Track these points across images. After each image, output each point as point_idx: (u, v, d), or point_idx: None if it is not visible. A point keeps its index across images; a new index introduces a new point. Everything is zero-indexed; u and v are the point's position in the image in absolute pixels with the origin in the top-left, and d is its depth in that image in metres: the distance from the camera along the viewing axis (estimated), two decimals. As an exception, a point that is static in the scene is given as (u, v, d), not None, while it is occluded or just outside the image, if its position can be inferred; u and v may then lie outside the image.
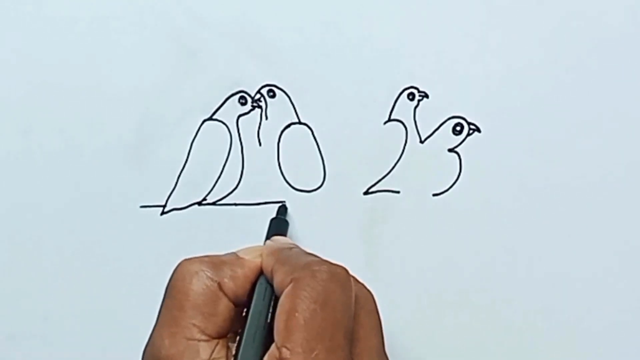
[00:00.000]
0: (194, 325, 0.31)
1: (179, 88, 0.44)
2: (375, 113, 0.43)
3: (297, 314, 0.29)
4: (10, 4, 0.45)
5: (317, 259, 0.32)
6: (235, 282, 0.32)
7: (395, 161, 0.43)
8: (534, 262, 0.42)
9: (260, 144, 0.44)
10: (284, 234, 0.41)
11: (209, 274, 0.32)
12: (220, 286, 0.32)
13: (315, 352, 0.28)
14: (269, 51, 0.44)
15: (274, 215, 0.42)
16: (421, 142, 0.43)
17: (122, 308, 0.43)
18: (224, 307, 0.32)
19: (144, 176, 0.44)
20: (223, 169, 0.43)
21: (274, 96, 0.43)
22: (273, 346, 0.29)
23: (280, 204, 0.43)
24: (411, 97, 0.43)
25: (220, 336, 0.31)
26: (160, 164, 0.44)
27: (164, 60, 0.44)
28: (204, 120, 0.44)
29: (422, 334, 0.42)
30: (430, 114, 0.43)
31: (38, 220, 0.44)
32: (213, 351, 0.30)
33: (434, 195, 0.42)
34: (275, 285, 0.32)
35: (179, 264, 0.33)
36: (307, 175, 0.43)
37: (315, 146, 0.43)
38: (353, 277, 0.32)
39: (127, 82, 0.44)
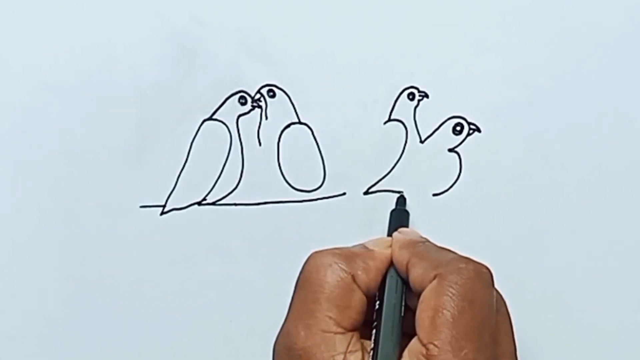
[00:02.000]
0: (330, 317, 0.30)
1: (179, 88, 0.44)
2: (375, 113, 0.43)
3: (444, 311, 0.28)
4: (10, 4, 0.45)
5: (459, 255, 0.32)
6: (367, 274, 0.32)
7: (395, 161, 0.43)
8: (534, 262, 0.41)
9: (260, 144, 0.44)
10: (406, 225, 0.40)
11: (342, 266, 0.32)
12: (354, 278, 0.32)
13: (464, 351, 0.28)
14: (269, 51, 0.44)
15: (274, 216, 0.43)
16: (421, 142, 0.43)
17: (122, 308, 0.43)
18: (358, 299, 0.32)
19: (144, 176, 0.44)
20: (223, 169, 0.43)
21: (274, 96, 0.43)
22: (415, 341, 0.29)
23: (398, 194, 0.42)
24: (411, 97, 0.43)
25: (354, 329, 0.31)
26: (160, 164, 0.44)
27: (164, 60, 0.44)
28: (204, 120, 0.44)
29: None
30: (430, 114, 0.43)
31: (38, 220, 0.44)
32: (349, 344, 0.30)
33: (434, 195, 0.42)
34: (412, 279, 0.32)
35: (311, 256, 0.33)
36: (307, 175, 0.43)
37: (315, 146, 0.43)
38: None
39: (127, 82, 0.44)
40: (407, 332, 0.31)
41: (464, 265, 0.30)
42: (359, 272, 0.32)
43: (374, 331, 0.32)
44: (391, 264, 0.34)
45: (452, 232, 0.42)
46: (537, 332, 0.41)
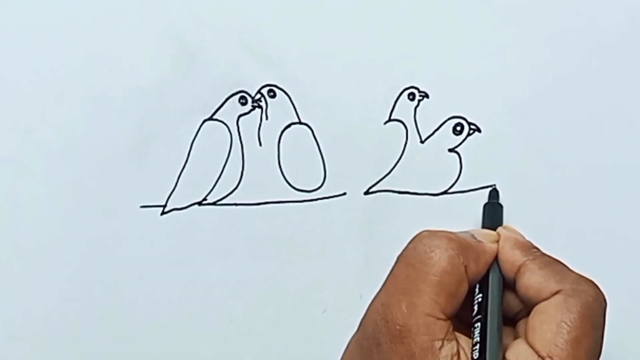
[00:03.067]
0: (436, 302, 0.30)
1: (179, 88, 0.44)
2: (375, 113, 0.43)
3: (572, 331, 0.29)
4: (10, 4, 0.45)
5: (581, 275, 0.32)
6: (477, 267, 0.32)
7: (395, 161, 0.43)
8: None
9: (260, 144, 0.44)
10: (501, 220, 0.40)
11: (457, 253, 0.32)
12: (465, 269, 0.32)
13: (575, 354, 0.28)
14: (269, 51, 0.44)
15: (274, 216, 0.43)
16: (421, 142, 0.43)
17: (122, 308, 0.43)
18: (464, 290, 0.32)
19: (144, 176, 0.44)
20: (223, 169, 0.43)
21: (274, 96, 0.43)
22: (527, 349, 0.29)
23: (491, 188, 0.42)
24: (411, 97, 0.43)
25: (451, 317, 0.31)
26: (160, 164, 0.44)
27: (164, 60, 0.44)
28: (204, 120, 0.44)
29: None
30: (430, 114, 0.43)
31: (38, 220, 0.44)
32: (447, 332, 0.30)
33: (434, 195, 0.42)
34: (526, 284, 0.32)
35: (422, 235, 0.32)
36: (307, 175, 0.43)
37: (315, 146, 0.43)
38: None
39: (127, 82, 0.44)
40: None
41: (591, 289, 0.30)
42: (472, 264, 0.32)
43: (477, 324, 0.31)
44: (495, 259, 0.34)
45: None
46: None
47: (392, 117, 0.43)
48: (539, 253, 0.34)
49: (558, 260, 0.34)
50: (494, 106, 0.42)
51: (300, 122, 0.43)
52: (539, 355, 0.29)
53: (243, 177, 0.43)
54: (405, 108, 0.43)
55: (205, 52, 0.44)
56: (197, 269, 0.43)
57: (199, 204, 0.43)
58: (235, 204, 0.43)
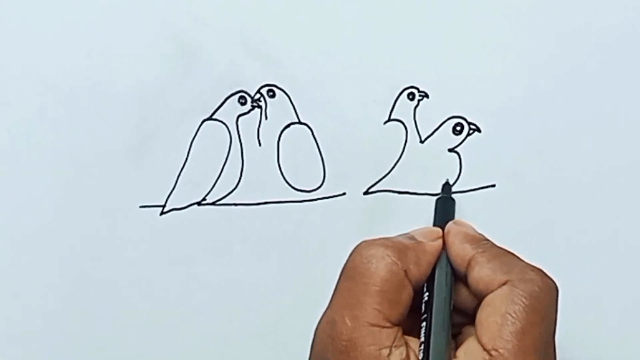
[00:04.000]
0: (379, 311, 0.30)
1: (179, 88, 0.44)
2: (375, 113, 0.43)
3: (516, 322, 0.28)
4: (11, 4, 0.45)
5: (529, 264, 0.31)
6: (419, 269, 0.32)
7: (395, 161, 0.43)
8: (535, 261, 0.41)
9: (260, 144, 0.44)
10: (453, 214, 0.40)
11: (395, 260, 0.31)
12: (406, 273, 0.31)
13: (523, 352, 0.28)
14: (269, 51, 0.44)
15: (274, 216, 0.43)
16: (421, 142, 0.43)
17: (122, 308, 0.43)
18: (407, 294, 0.31)
19: (143, 176, 0.44)
20: (223, 169, 0.43)
21: (273, 96, 0.43)
22: (475, 343, 0.29)
23: (444, 183, 0.42)
24: (411, 97, 0.43)
25: (399, 323, 0.31)
26: (159, 164, 0.44)
27: (164, 60, 0.44)
28: (204, 120, 0.44)
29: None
30: (430, 114, 0.43)
31: (38, 220, 0.44)
32: (395, 338, 0.30)
33: (434, 195, 0.42)
34: (475, 277, 0.31)
35: (361, 246, 0.32)
36: (307, 175, 0.43)
37: (315, 146, 0.43)
38: None
39: (127, 82, 0.44)
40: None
41: (537, 277, 0.30)
42: (411, 267, 0.32)
43: (423, 324, 0.31)
44: (439, 255, 0.34)
45: (452, 232, 0.42)
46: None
47: (392, 117, 0.43)
48: (488, 245, 0.33)
49: (508, 252, 0.33)
50: (494, 106, 0.42)
51: (299, 122, 0.43)
52: (485, 349, 0.28)
53: (242, 177, 0.43)
54: (405, 108, 0.43)
55: (205, 52, 0.44)
56: (197, 269, 0.43)
57: (199, 204, 0.43)
58: (235, 204, 0.43)
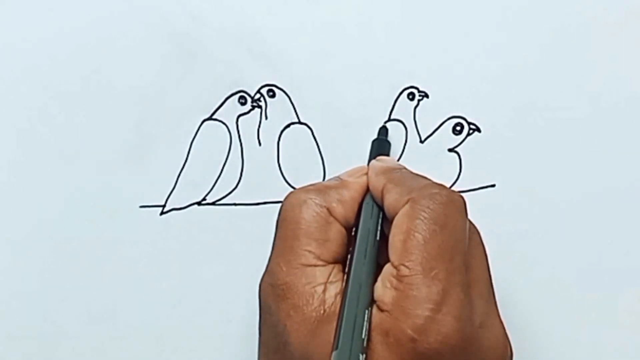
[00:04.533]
0: (309, 251, 0.31)
1: (179, 88, 0.44)
2: (375, 113, 0.43)
3: (416, 234, 0.29)
4: (11, 4, 0.45)
5: (433, 182, 0.32)
6: (343, 205, 0.33)
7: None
8: (535, 262, 0.41)
9: (260, 144, 0.44)
10: (388, 154, 0.40)
11: (317, 200, 0.32)
12: (329, 211, 0.32)
13: (434, 271, 0.28)
14: (269, 51, 0.44)
15: (274, 216, 0.42)
16: (421, 142, 0.43)
17: (122, 308, 0.43)
18: (336, 231, 0.32)
19: (143, 176, 0.44)
20: (223, 168, 0.43)
21: (273, 96, 0.44)
22: (388, 265, 0.29)
23: (381, 126, 0.42)
24: (411, 97, 0.43)
25: (335, 261, 0.31)
26: (160, 163, 0.44)
27: (164, 60, 0.44)
28: (204, 120, 0.44)
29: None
30: (430, 114, 0.43)
31: (38, 220, 0.44)
32: (330, 274, 0.30)
33: (434, 195, 0.42)
34: (386, 204, 0.32)
35: (287, 196, 0.33)
36: (307, 175, 0.43)
37: (315, 146, 0.43)
38: None
39: (127, 82, 0.44)
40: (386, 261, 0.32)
41: (437, 191, 0.30)
42: (334, 205, 0.32)
43: (349, 256, 0.32)
44: (367, 191, 0.34)
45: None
46: (537, 332, 0.41)
47: (392, 117, 0.43)
48: (399, 172, 0.34)
49: (417, 174, 0.34)
50: (493, 106, 0.42)
51: (299, 122, 0.43)
52: (394, 267, 0.29)
53: (242, 177, 0.43)
54: (405, 108, 0.43)
55: (205, 52, 0.44)
56: (197, 269, 0.43)
57: (199, 203, 0.43)
58: (235, 204, 0.43)
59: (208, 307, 0.43)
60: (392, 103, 0.43)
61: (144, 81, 0.44)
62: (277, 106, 0.44)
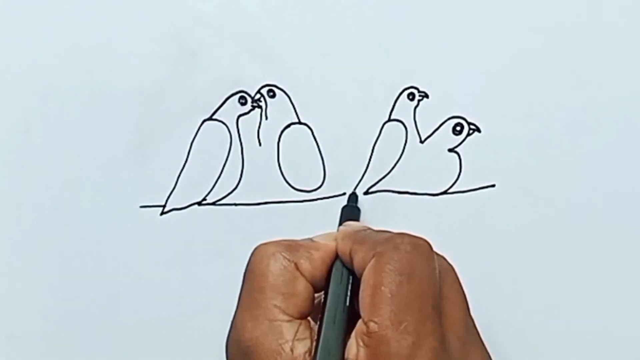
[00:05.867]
0: (275, 306, 0.30)
1: (179, 88, 0.44)
2: (375, 113, 0.43)
3: (382, 288, 0.28)
4: (11, 4, 0.45)
5: (397, 233, 0.31)
6: (311, 263, 0.32)
7: (395, 161, 0.43)
8: (535, 262, 0.41)
9: (260, 144, 0.44)
10: (357, 221, 0.41)
11: (285, 255, 0.32)
12: (297, 266, 0.32)
13: (404, 324, 0.27)
14: (269, 51, 0.44)
15: (274, 216, 0.43)
16: (421, 142, 0.43)
17: (122, 308, 0.43)
18: (303, 287, 0.32)
19: (143, 176, 0.44)
20: (223, 169, 0.43)
21: (273, 96, 0.44)
22: (360, 322, 0.29)
23: (351, 193, 0.43)
24: (411, 97, 0.43)
25: (302, 316, 0.31)
26: (160, 164, 0.44)
27: (164, 60, 0.44)
28: (204, 120, 0.44)
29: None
30: (430, 114, 0.43)
31: (38, 220, 0.44)
32: (297, 331, 0.30)
33: (434, 195, 0.42)
34: (355, 265, 0.32)
35: (256, 248, 0.33)
36: (307, 175, 0.43)
37: (315, 146, 0.43)
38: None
39: (127, 82, 0.44)
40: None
41: (400, 240, 0.30)
42: (302, 261, 0.32)
43: (318, 323, 0.31)
44: (337, 257, 0.34)
45: (452, 232, 0.42)
46: (538, 332, 0.41)
47: (392, 117, 0.43)
48: (363, 233, 0.33)
49: (382, 230, 0.33)
50: (493, 106, 0.42)
51: (299, 122, 0.43)
52: (364, 323, 0.28)
53: (243, 177, 0.43)
54: (405, 108, 0.43)
55: (205, 52, 0.44)
56: (197, 269, 0.43)
57: (199, 204, 0.43)
58: (235, 204, 0.43)
59: (208, 307, 0.43)
60: (392, 103, 0.43)
61: (144, 81, 0.44)
62: (277, 106, 0.44)
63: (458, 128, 0.42)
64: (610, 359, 0.41)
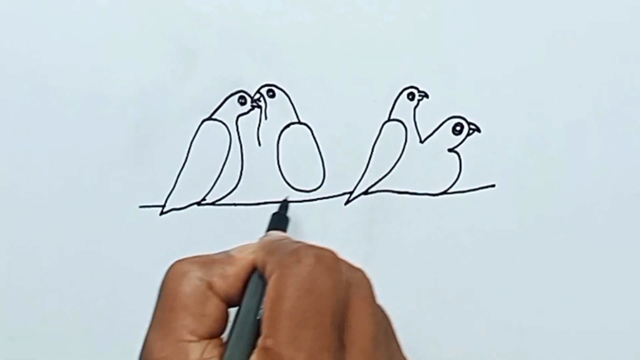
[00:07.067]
0: (184, 326, 0.30)
1: (179, 88, 0.44)
2: (375, 113, 0.43)
3: (280, 302, 0.28)
4: (10, 4, 0.45)
5: (304, 244, 0.31)
6: (225, 281, 0.32)
7: (395, 161, 0.43)
8: (534, 262, 0.41)
9: (259, 144, 0.44)
10: (284, 230, 0.40)
11: (198, 273, 0.31)
12: (210, 286, 0.31)
13: (298, 340, 0.27)
14: (269, 51, 0.44)
15: (269, 215, 0.42)
16: (421, 142, 0.43)
17: (122, 308, 0.43)
18: (214, 306, 0.31)
19: (143, 176, 0.44)
20: (222, 168, 0.43)
21: (273, 96, 0.43)
22: (261, 337, 0.28)
23: (283, 199, 0.43)
24: (411, 97, 0.43)
25: (212, 336, 0.31)
26: (159, 164, 0.44)
27: (164, 60, 0.44)
28: (204, 120, 0.44)
29: (422, 334, 0.42)
30: (430, 113, 0.43)
31: (38, 220, 0.44)
32: (204, 351, 0.30)
33: (434, 195, 0.42)
34: (266, 277, 0.31)
35: (171, 265, 0.32)
36: (307, 175, 0.43)
37: (315, 146, 0.43)
38: (346, 262, 0.31)
39: (127, 82, 0.44)
40: None
41: (303, 253, 0.29)
42: (216, 279, 0.31)
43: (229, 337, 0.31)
44: (255, 269, 0.33)
45: (452, 232, 0.42)
46: (537, 332, 0.41)
47: (392, 117, 0.43)
48: (277, 243, 0.33)
49: (295, 241, 0.32)
50: (494, 106, 0.42)
51: (299, 122, 0.43)
52: (263, 338, 0.28)
53: (242, 177, 0.43)
54: (404, 108, 0.43)
55: (204, 52, 0.44)
56: (197, 269, 0.43)
57: (198, 204, 0.43)
58: (235, 204, 0.43)
59: (208, 307, 0.43)
60: (392, 103, 0.43)
61: (144, 81, 0.44)
62: (277, 106, 0.44)
63: (458, 128, 0.42)
64: (610, 359, 0.41)
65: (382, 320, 0.31)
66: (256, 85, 0.44)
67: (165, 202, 0.44)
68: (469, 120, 0.42)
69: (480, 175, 0.42)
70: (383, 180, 0.43)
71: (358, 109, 0.43)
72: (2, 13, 0.45)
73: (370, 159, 0.43)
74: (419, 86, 0.43)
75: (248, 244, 0.34)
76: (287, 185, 0.43)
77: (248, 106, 0.44)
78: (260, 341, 0.28)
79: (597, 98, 0.42)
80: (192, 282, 0.31)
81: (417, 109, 0.43)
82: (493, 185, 0.42)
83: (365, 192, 0.43)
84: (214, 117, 0.44)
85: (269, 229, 0.40)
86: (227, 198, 0.43)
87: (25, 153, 0.44)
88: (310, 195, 0.43)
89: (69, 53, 0.45)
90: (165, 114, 0.44)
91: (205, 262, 0.32)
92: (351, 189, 0.43)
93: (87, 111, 0.44)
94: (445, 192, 0.42)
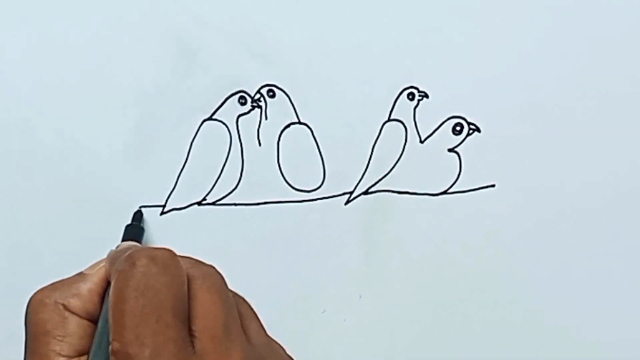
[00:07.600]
0: (51, 350, 0.31)
1: (179, 88, 0.44)
2: (375, 113, 0.43)
3: (120, 305, 0.29)
4: (11, 4, 0.45)
5: (139, 248, 0.32)
6: (80, 298, 0.32)
7: (395, 161, 0.43)
8: (534, 262, 0.41)
9: (260, 144, 0.44)
10: (139, 241, 0.41)
11: (52, 299, 0.32)
12: (65, 307, 0.32)
13: (142, 337, 0.28)
14: (269, 51, 0.44)
15: (274, 216, 0.43)
16: (421, 142, 0.43)
17: (122, 308, 0.43)
18: (75, 325, 0.32)
19: (144, 176, 0.44)
20: (223, 169, 0.44)
21: (273, 96, 0.43)
22: (110, 342, 0.29)
23: (136, 210, 0.43)
24: (411, 97, 0.43)
25: (81, 353, 0.32)
26: (160, 164, 0.44)
27: (164, 60, 0.44)
28: (204, 120, 0.44)
29: (422, 334, 0.42)
30: (430, 113, 0.43)
31: (38, 220, 0.44)
32: None
33: (434, 195, 0.42)
34: None
35: (30, 298, 0.33)
36: (307, 175, 0.43)
37: (315, 146, 0.43)
38: (192, 259, 0.32)
39: (127, 82, 0.44)
40: None
41: (136, 256, 0.30)
42: (71, 299, 0.32)
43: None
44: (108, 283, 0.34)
45: (452, 232, 0.42)
46: (537, 332, 0.41)
47: (392, 117, 0.43)
48: (118, 253, 0.33)
49: (143, 248, 0.33)
50: (493, 106, 0.42)
51: (299, 122, 0.43)
52: (112, 342, 0.29)
53: (242, 177, 0.43)
54: (404, 108, 0.43)
55: (204, 52, 0.44)
56: (197, 269, 0.43)
57: (199, 204, 0.43)
58: (235, 204, 0.43)
59: (208, 307, 0.43)
60: (392, 103, 0.43)
61: (144, 81, 0.44)
62: (277, 106, 0.44)
63: (458, 128, 0.42)
64: (610, 359, 0.41)
65: (232, 308, 0.32)
66: (256, 85, 0.44)
67: (166, 202, 0.44)
68: (469, 120, 0.42)
69: (480, 175, 0.42)
70: (383, 180, 0.43)
71: (358, 109, 0.43)
72: (2, 13, 0.45)
73: (370, 159, 0.43)
74: (419, 86, 0.43)
75: (100, 260, 0.35)
76: (287, 185, 0.43)
77: (248, 106, 0.44)
78: (110, 347, 0.29)
79: (597, 98, 0.42)
80: (49, 307, 0.32)
81: (417, 109, 0.43)
82: (493, 185, 0.42)
83: (365, 192, 0.43)
84: (214, 117, 0.44)
85: (122, 241, 0.41)
86: (227, 198, 0.43)
87: (25, 153, 0.44)
88: (310, 195, 0.43)
89: (69, 53, 0.45)
90: (165, 114, 0.44)
91: (58, 286, 0.33)
92: (351, 189, 0.43)
93: (88, 111, 0.44)
94: (445, 192, 0.42)
